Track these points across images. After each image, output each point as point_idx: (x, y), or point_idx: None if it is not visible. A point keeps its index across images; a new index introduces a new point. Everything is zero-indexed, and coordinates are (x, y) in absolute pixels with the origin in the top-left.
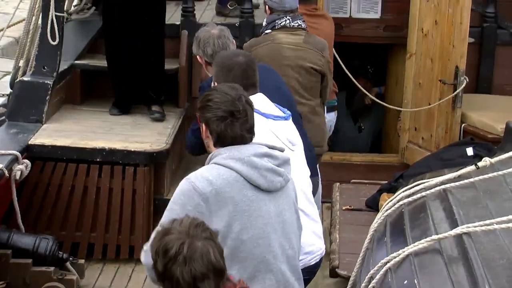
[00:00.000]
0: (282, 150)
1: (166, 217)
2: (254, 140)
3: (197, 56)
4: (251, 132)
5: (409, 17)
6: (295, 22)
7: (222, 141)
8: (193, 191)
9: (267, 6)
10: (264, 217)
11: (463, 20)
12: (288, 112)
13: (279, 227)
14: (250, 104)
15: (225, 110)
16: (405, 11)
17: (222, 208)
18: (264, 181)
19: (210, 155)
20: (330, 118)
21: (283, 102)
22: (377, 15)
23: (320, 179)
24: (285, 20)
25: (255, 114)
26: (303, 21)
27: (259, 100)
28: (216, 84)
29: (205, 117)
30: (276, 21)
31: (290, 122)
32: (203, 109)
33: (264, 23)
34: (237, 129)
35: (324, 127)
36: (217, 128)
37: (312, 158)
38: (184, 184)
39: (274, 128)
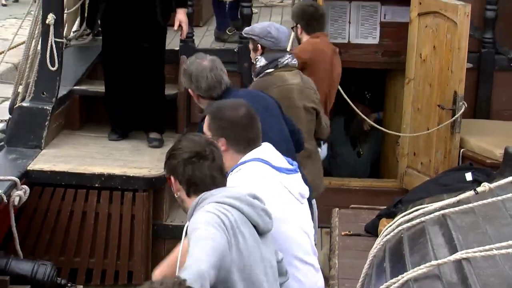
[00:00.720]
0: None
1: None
2: (265, 193)
3: (189, 90)
4: (222, 173)
5: (408, 42)
6: (294, 61)
7: (194, 186)
8: (217, 219)
9: (259, 45)
10: (256, 259)
11: (461, 46)
12: (295, 163)
13: (270, 272)
14: (216, 146)
15: (190, 151)
16: (404, 36)
17: (236, 241)
18: (261, 221)
19: (194, 202)
20: (324, 151)
21: (275, 124)
22: (376, 41)
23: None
24: (287, 59)
25: (267, 166)
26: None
27: (268, 152)
28: (221, 139)
29: (171, 166)
30: (279, 60)
31: (299, 174)
32: (168, 160)
33: (262, 62)
34: (205, 169)
35: (321, 169)
36: (185, 172)
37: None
38: (205, 215)
39: (287, 183)
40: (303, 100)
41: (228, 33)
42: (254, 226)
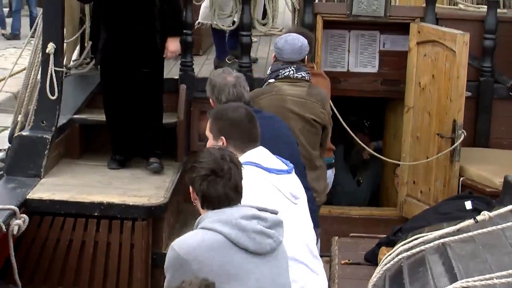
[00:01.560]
0: (274, 213)
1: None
2: (256, 195)
3: (210, 99)
4: (237, 191)
5: (407, 71)
6: (299, 73)
7: (207, 202)
8: (178, 259)
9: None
10: (259, 280)
11: (460, 75)
12: (291, 165)
13: None
14: (236, 163)
15: (207, 168)
16: (403, 65)
17: (208, 273)
18: (252, 243)
19: (198, 219)
20: (328, 175)
21: (285, 151)
22: (375, 69)
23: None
24: (289, 71)
25: (257, 169)
26: (308, 73)
27: (261, 154)
28: (223, 138)
29: (190, 178)
30: (280, 71)
31: (293, 175)
32: (189, 171)
33: (268, 71)
34: (220, 188)
35: (325, 178)
36: (200, 187)
37: (313, 211)
38: (169, 252)
39: (276, 183)
40: (302, 111)
41: (228, 61)
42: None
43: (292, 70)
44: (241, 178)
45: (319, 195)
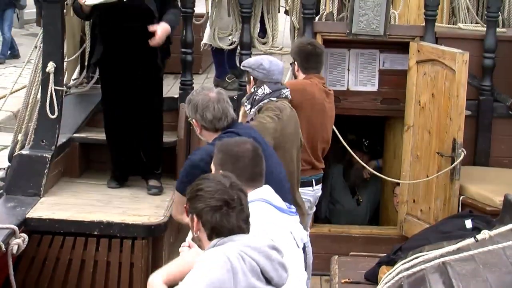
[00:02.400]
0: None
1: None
2: (270, 233)
3: (193, 120)
4: (247, 222)
5: (406, 90)
6: (290, 94)
7: (218, 234)
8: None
9: (251, 77)
10: None
11: (460, 94)
12: (293, 207)
13: None
14: (244, 192)
15: (219, 199)
16: (402, 84)
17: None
18: (276, 275)
19: (211, 245)
20: (318, 190)
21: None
22: (375, 88)
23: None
24: (286, 91)
25: (271, 207)
26: None
27: (270, 193)
28: (222, 172)
29: (196, 208)
30: (282, 91)
31: (297, 217)
32: (193, 200)
33: (266, 90)
34: (233, 219)
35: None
36: (212, 219)
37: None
38: (216, 256)
39: (288, 224)
40: (298, 133)
41: (228, 80)
42: (267, 279)
43: (287, 90)
44: (249, 208)
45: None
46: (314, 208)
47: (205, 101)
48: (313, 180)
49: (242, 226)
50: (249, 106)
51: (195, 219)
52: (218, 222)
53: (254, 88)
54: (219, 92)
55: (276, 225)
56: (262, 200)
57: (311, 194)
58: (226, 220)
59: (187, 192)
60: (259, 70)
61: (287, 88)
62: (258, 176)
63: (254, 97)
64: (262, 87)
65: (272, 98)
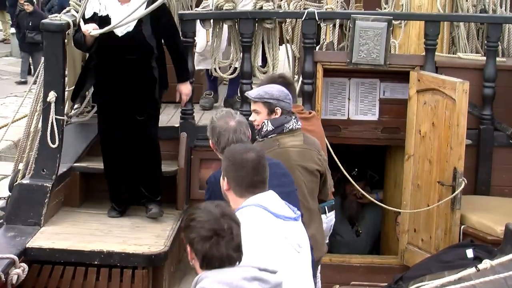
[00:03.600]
0: (274, 272)
1: None
2: (261, 239)
3: (210, 140)
4: (238, 251)
5: (407, 119)
6: (298, 124)
7: (208, 263)
8: None
9: (277, 109)
10: None
11: (460, 123)
12: (298, 213)
13: None
14: (236, 221)
15: (208, 229)
16: (403, 113)
17: None
18: None
19: (196, 278)
20: (330, 218)
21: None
22: (375, 117)
23: (319, 280)
24: (292, 124)
25: (265, 212)
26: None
27: (270, 198)
28: (225, 178)
29: (188, 238)
30: (285, 125)
31: (299, 223)
32: (186, 230)
33: (269, 127)
34: (223, 249)
35: (323, 231)
36: (202, 249)
37: (312, 261)
38: None
39: (283, 229)
40: (304, 161)
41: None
42: None
43: (294, 121)
44: (241, 236)
45: (320, 246)
46: (328, 239)
47: (223, 128)
48: (326, 207)
49: (232, 255)
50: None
51: (189, 248)
52: (207, 251)
53: (263, 122)
54: (239, 121)
55: (265, 230)
56: (256, 205)
57: (324, 221)
58: (216, 249)
59: (183, 221)
60: (286, 101)
61: (293, 119)
62: (259, 183)
63: (260, 132)
64: (267, 123)
65: (271, 135)
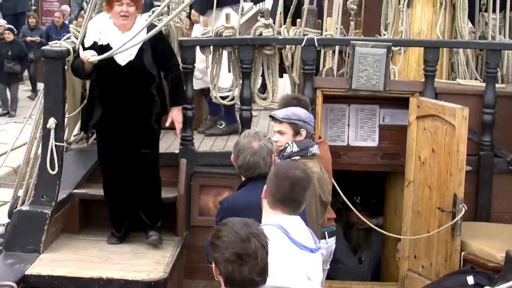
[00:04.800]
0: None
1: None
2: (274, 260)
3: (232, 154)
4: (262, 274)
5: (407, 145)
6: (317, 150)
7: (231, 284)
8: None
9: (303, 131)
10: None
11: (460, 149)
12: (319, 245)
13: None
14: (262, 243)
15: (232, 252)
16: (403, 139)
17: None
18: None
19: None
20: (331, 243)
21: None
22: (375, 143)
23: None
24: (315, 149)
25: (283, 235)
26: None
27: (294, 223)
28: (267, 185)
29: (214, 256)
30: (309, 149)
31: (316, 255)
32: (212, 246)
33: (295, 148)
34: (245, 272)
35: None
36: (225, 270)
37: None
38: None
39: (296, 257)
40: (321, 190)
41: (219, 126)
42: None
43: (316, 146)
44: (267, 259)
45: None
46: (329, 265)
47: (243, 148)
48: (326, 233)
49: (255, 279)
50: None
51: (214, 265)
52: (230, 273)
53: (287, 143)
54: (262, 145)
55: (280, 253)
56: (277, 226)
57: (324, 247)
58: (238, 272)
59: (212, 234)
60: (311, 123)
61: (316, 144)
62: (291, 202)
63: (283, 152)
64: (292, 144)
65: (295, 157)
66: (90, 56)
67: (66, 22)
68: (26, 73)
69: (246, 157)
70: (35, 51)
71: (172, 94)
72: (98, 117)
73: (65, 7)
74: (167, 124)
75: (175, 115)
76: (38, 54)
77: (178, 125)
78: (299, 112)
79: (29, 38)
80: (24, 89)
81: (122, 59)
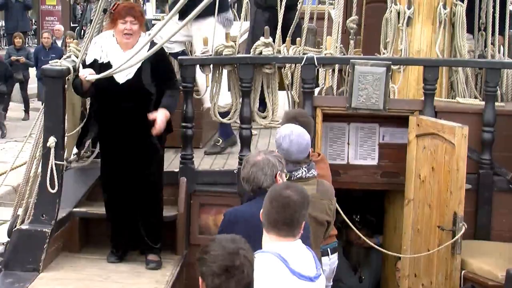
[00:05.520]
0: None
1: None
2: None
3: None
4: None
5: (406, 164)
6: (310, 173)
7: None
8: None
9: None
10: None
11: (460, 167)
12: (320, 272)
13: None
14: (249, 259)
15: (220, 265)
16: (402, 158)
17: None
18: None
19: None
20: (334, 260)
21: None
22: (375, 162)
23: None
24: (302, 172)
25: (281, 265)
26: (315, 169)
27: (293, 250)
28: (263, 207)
29: (201, 270)
30: (293, 173)
31: (316, 284)
32: (199, 261)
33: None
34: (232, 286)
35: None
36: (212, 284)
37: None
38: None
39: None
40: (314, 211)
41: (217, 144)
42: None
43: (305, 170)
44: (253, 274)
45: None
46: (332, 282)
47: (248, 160)
48: (328, 250)
49: None
50: None
51: (200, 279)
52: (217, 287)
53: None
54: (265, 160)
55: (276, 285)
56: (275, 254)
57: (327, 264)
58: (225, 286)
59: (199, 250)
60: (280, 149)
61: (303, 168)
62: (282, 224)
63: None
64: None
65: None
66: (88, 75)
67: (60, 41)
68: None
69: (249, 171)
70: (24, 72)
71: (164, 101)
72: (94, 134)
73: (59, 27)
74: (150, 118)
75: (159, 114)
76: (26, 74)
77: (158, 125)
78: (276, 134)
79: (13, 58)
80: (15, 109)
81: (121, 77)
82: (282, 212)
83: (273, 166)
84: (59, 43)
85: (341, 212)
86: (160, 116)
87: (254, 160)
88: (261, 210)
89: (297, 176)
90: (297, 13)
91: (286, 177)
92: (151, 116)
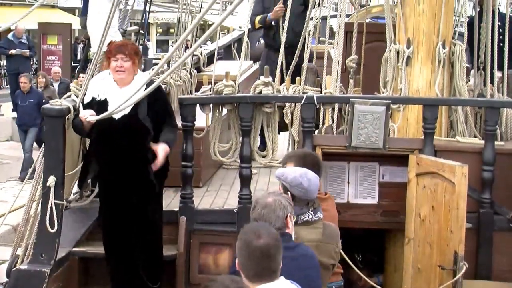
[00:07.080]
0: None
1: None
2: None
3: None
4: None
5: (406, 202)
6: (316, 216)
7: None
8: None
9: (288, 193)
10: None
11: (460, 206)
12: None
13: None
14: None
15: None
16: (402, 196)
17: None
18: None
19: None
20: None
21: None
22: (375, 201)
23: None
24: (308, 215)
25: None
26: (320, 211)
27: None
28: (237, 258)
29: None
30: (299, 217)
31: None
32: None
33: None
34: None
35: None
36: None
37: None
38: None
39: None
40: (319, 255)
41: None
42: None
43: (310, 214)
44: None
45: None
46: None
47: (257, 202)
48: None
49: None
50: None
51: None
52: None
53: None
54: (275, 202)
55: None
56: None
57: None
58: None
59: None
60: (298, 189)
61: (309, 211)
62: (265, 273)
63: None
64: None
65: None
66: (89, 116)
67: (56, 84)
68: None
69: (258, 211)
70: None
71: (163, 136)
72: (95, 172)
73: (57, 69)
74: (152, 148)
75: (160, 148)
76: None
77: (159, 159)
78: (290, 174)
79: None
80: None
81: (117, 113)
82: (264, 262)
83: (284, 208)
84: (55, 85)
85: (342, 251)
86: (160, 151)
87: (265, 202)
88: (237, 260)
89: (304, 219)
90: (304, 52)
91: (293, 219)
92: (154, 146)
